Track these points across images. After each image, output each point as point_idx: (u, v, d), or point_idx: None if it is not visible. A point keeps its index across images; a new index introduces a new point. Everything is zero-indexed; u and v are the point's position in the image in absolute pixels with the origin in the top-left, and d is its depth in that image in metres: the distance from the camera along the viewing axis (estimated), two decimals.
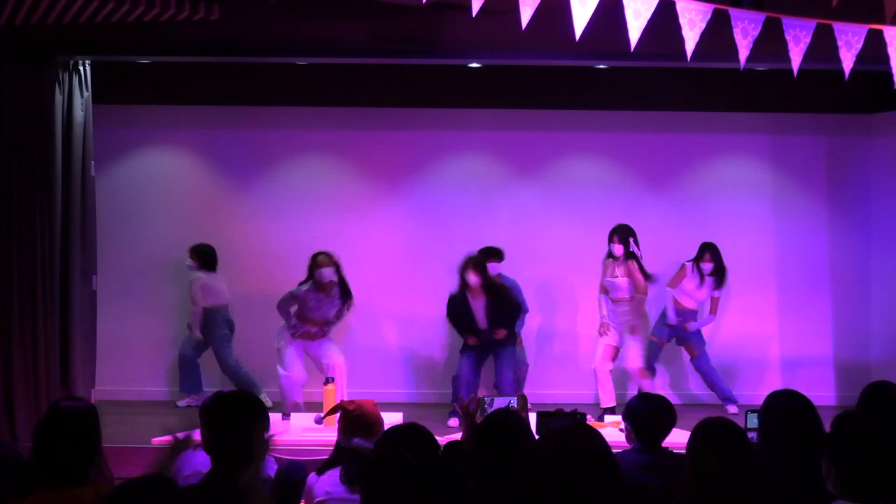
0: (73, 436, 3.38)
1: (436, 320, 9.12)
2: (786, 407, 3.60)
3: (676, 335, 8.75)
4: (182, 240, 9.04)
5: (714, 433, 3.14)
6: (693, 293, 8.67)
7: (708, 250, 8.61)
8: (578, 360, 9.12)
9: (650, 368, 8.63)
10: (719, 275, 8.61)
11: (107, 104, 8.39)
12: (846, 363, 9.31)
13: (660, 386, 8.78)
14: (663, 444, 4.17)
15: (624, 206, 9.21)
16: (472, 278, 7.95)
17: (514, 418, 3.66)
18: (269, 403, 8.21)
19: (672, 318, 8.65)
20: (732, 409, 8.47)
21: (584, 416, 3.92)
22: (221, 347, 8.69)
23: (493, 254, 8.42)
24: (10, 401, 7.22)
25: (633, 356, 8.27)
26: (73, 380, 7.48)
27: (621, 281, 8.19)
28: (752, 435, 4.43)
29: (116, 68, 8.42)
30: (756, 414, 4.53)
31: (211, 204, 9.27)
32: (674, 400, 8.79)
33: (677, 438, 5.82)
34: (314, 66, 8.59)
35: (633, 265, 8.18)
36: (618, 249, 8.20)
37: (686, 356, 8.95)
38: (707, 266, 8.58)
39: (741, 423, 4.13)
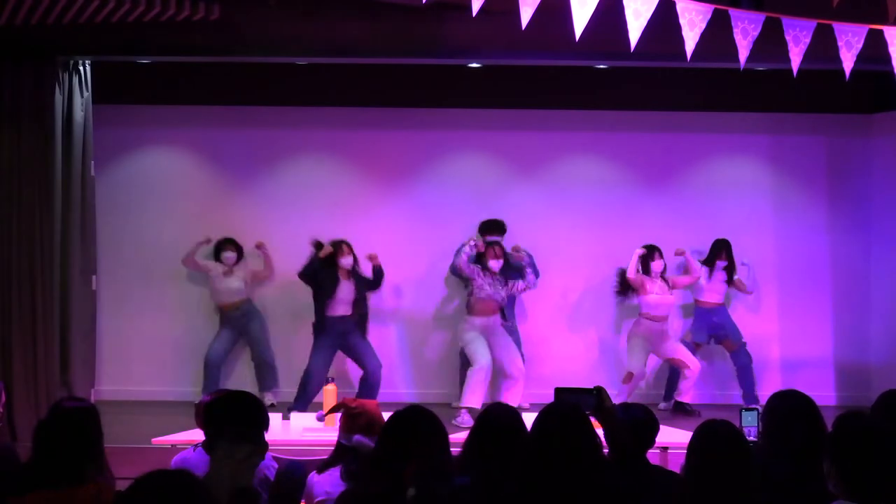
0: (75, 435, 3.38)
1: (436, 320, 9.14)
2: (789, 407, 3.60)
3: (714, 334, 8.89)
4: (182, 240, 9.03)
5: (714, 435, 3.16)
6: (715, 288, 8.85)
7: (724, 248, 8.86)
8: (577, 360, 9.12)
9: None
10: (731, 271, 8.88)
11: (107, 104, 8.39)
12: (846, 363, 9.31)
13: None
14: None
15: (624, 207, 9.22)
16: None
17: (510, 412, 3.67)
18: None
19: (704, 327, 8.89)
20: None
21: (600, 389, 3.86)
22: (266, 334, 8.86)
23: (497, 227, 8.67)
24: (10, 401, 7.21)
25: (688, 357, 8.51)
26: (73, 380, 7.48)
27: (668, 298, 8.49)
28: (746, 431, 4.44)
29: (116, 68, 8.41)
30: (750, 412, 4.55)
31: (211, 204, 9.26)
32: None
33: (677, 439, 5.86)
34: (314, 66, 8.59)
35: (674, 278, 8.64)
36: (659, 266, 8.49)
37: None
38: (722, 263, 8.82)
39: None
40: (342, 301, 8.22)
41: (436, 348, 9.30)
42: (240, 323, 8.81)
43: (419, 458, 3.33)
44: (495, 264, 8.12)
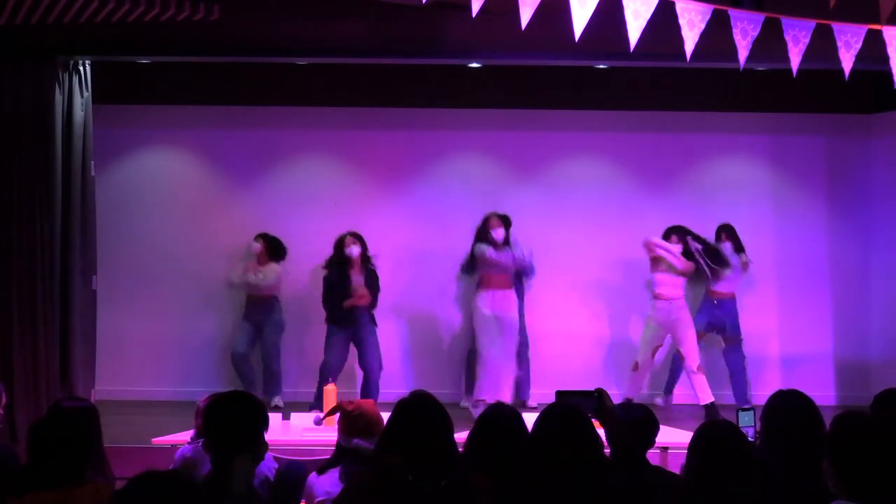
0: (74, 435, 3.38)
1: (439, 320, 9.14)
2: (788, 406, 3.60)
3: (714, 324, 8.77)
4: (182, 240, 9.03)
5: (714, 435, 3.16)
6: (730, 277, 8.69)
7: (724, 230, 8.74)
8: (577, 361, 9.12)
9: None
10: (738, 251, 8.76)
11: (107, 104, 8.39)
12: (846, 362, 9.31)
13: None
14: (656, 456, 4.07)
15: (624, 207, 9.22)
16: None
17: (510, 412, 3.68)
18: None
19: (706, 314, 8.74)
20: None
21: (601, 391, 3.87)
22: (279, 335, 8.86)
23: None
24: (11, 401, 7.20)
25: (690, 352, 8.35)
26: (73, 380, 7.47)
27: (675, 279, 8.33)
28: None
29: (116, 68, 8.42)
30: (747, 412, 4.56)
31: (211, 204, 9.27)
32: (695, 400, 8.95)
33: (677, 439, 5.86)
34: (314, 66, 8.60)
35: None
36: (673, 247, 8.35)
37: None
38: (727, 245, 8.67)
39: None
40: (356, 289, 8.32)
41: (439, 349, 9.30)
42: (259, 321, 8.84)
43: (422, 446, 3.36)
44: (497, 233, 8.14)
